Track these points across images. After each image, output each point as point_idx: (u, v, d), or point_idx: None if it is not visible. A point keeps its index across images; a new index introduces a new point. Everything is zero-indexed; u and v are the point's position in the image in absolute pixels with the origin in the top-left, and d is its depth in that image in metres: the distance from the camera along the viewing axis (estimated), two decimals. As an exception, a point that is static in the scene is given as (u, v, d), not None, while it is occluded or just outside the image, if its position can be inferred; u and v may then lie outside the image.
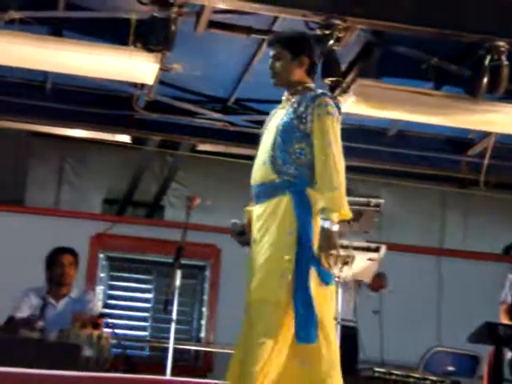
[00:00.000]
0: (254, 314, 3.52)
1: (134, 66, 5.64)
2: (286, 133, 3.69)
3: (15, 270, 7.25)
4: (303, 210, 3.56)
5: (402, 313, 7.74)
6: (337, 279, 4.99)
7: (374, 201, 5.07)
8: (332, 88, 6.44)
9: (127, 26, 5.46)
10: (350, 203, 4.96)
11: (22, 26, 5.53)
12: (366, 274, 5.14)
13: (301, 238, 3.52)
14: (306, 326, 3.42)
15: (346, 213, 3.61)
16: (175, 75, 6.20)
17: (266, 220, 3.64)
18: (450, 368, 7.06)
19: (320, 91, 3.78)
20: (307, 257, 3.49)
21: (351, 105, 6.25)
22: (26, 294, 5.68)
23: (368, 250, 5.03)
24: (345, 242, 4.96)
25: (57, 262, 5.80)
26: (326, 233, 3.49)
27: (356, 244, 4.99)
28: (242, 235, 3.79)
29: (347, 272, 4.97)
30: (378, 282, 5.29)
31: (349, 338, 5.11)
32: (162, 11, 5.14)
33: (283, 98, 3.85)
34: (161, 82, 6.35)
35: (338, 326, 4.87)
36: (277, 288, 3.47)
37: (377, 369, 5.95)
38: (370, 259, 5.05)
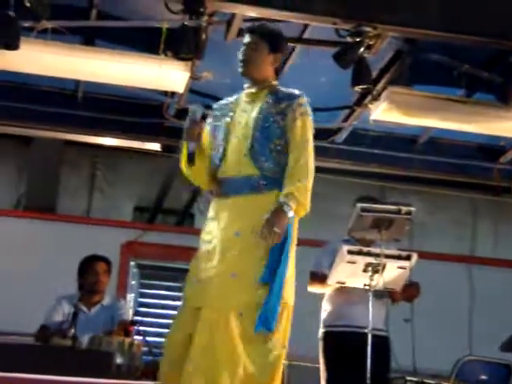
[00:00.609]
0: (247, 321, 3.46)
1: (165, 75, 5.67)
2: (267, 129, 3.66)
3: (48, 277, 7.31)
4: None
5: (433, 321, 7.69)
6: (367, 287, 4.97)
7: (404, 209, 5.02)
8: (362, 95, 6.45)
9: (158, 35, 5.49)
10: (382, 211, 5.00)
11: (54, 36, 5.58)
12: (397, 283, 5.09)
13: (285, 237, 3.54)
14: (272, 315, 3.44)
15: (306, 207, 3.76)
16: (205, 83, 6.22)
17: (248, 214, 3.59)
18: (483, 377, 6.98)
19: (296, 91, 3.79)
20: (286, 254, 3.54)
21: (382, 112, 6.23)
22: (58, 302, 5.70)
23: (399, 258, 4.99)
24: (376, 250, 4.94)
25: (90, 270, 5.81)
26: (280, 212, 3.53)
27: (387, 252, 4.96)
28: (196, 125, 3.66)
29: (378, 280, 4.94)
30: (411, 291, 5.24)
31: (381, 347, 5.07)
32: (192, 20, 5.17)
33: (250, 91, 3.77)
34: (191, 90, 6.38)
35: (369, 336, 4.85)
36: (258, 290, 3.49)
37: (409, 378, 5.92)
38: (400, 267, 5.01)
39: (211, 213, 3.71)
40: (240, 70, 3.75)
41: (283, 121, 3.68)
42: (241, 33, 5.66)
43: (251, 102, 3.76)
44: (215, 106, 3.90)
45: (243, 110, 3.76)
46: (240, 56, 3.75)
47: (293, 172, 3.63)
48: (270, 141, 3.65)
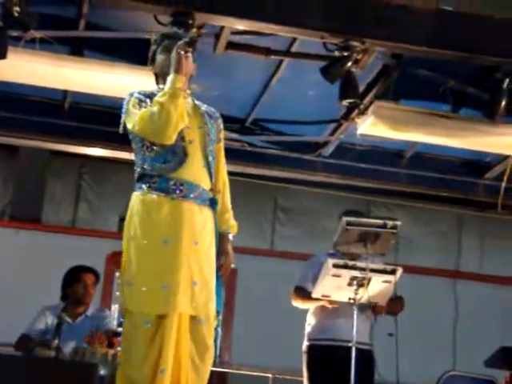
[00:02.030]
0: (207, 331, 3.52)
1: (153, 86, 5.66)
2: (213, 143, 3.72)
3: (32, 287, 7.28)
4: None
5: (417, 336, 7.69)
6: (352, 301, 4.97)
7: (390, 223, 5.03)
8: (349, 109, 6.48)
9: (146, 46, 5.48)
10: (367, 225, 5.01)
11: (42, 45, 5.58)
12: (382, 297, 5.09)
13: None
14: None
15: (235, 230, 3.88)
16: (193, 95, 6.22)
17: (207, 227, 3.64)
18: (467, 392, 7.00)
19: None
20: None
21: (369, 126, 6.26)
22: (42, 312, 5.64)
23: (384, 272, 4.99)
24: (361, 264, 4.95)
25: (79, 281, 5.73)
26: (231, 245, 3.78)
27: (372, 266, 4.96)
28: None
29: (363, 294, 4.94)
30: (395, 305, 5.25)
31: (365, 360, 5.07)
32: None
33: (186, 91, 3.67)
34: (179, 101, 6.37)
35: (353, 349, 4.85)
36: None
37: (392, 392, 5.90)
38: (385, 281, 5.01)
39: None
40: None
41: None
42: (229, 45, 5.69)
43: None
44: None
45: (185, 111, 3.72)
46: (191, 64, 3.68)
47: (227, 198, 3.86)
48: (214, 158, 3.80)
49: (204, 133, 3.68)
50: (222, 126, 3.86)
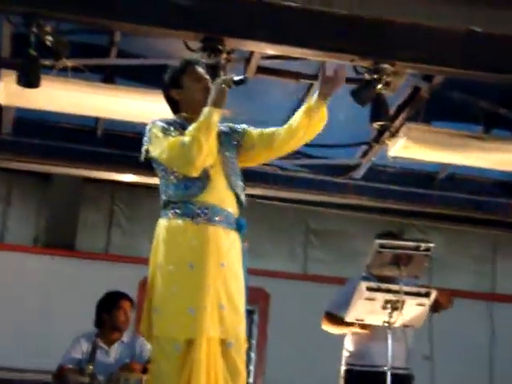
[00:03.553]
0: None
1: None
2: (233, 159, 3.70)
3: (66, 314, 7.31)
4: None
5: (453, 359, 7.61)
6: (386, 325, 4.93)
7: (423, 245, 4.99)
8: (380, 132, 6.46)
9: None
10: (400, 247, 4.97)
11: (74, 73, 5.64)
12: (417, 320, 5.05)
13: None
14: None
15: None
16: (223, 120, 6.24)
17: (233, 249, 3.59)
18: (503, 416, 6.90)
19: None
20: None
21: (400, 148, 6.24)
22: (76, 341, 5.60)
23: (418, 295, 4.95)
24: (395, 287, 4.91)
25: (119, 307, 5.69)
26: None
27: (406, 289, 4.93)
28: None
29: (397, 318, 4.90)
30: (447, 297, 5.19)
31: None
32: (211, 58, 5.20)
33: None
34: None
35: (389, 374, 4.80)
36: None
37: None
38: (420, 304, 4.97)
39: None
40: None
41: None
42: (259, 70, 5.71)
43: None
44: None
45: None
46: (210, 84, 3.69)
47: None
48: None
49: (222, 154, 3.65)
50: (238, 132, 3.77)
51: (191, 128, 3.47)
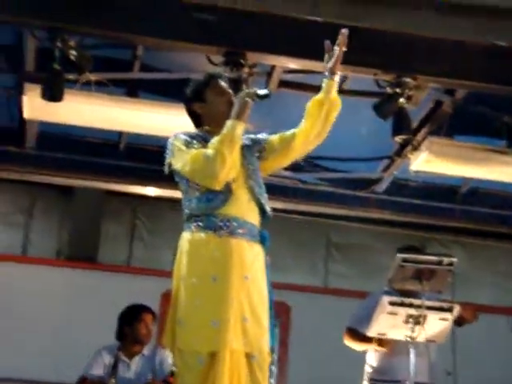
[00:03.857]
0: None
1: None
2: (256, 171, 3.67)
3: (88, 327, 7.33)
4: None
5: (476, 374, 7.55)
6: (409, 339, 4.91)
7: (446, 259, 4.96)
8: (403, 146, 6.45)
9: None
10: (423, 262, 4.95)
11: (98, 87, 5.68)
12: (439, 335, 5.02)
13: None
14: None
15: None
16: (245, 133, 6.26)
17: (257, 262, 3.56)
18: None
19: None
20: None
21: (423, 162, 6.23)
22: (98, 353, 5.61)
23: (441, 309, 4.93)
24: (417, 302, 4.89)
25: (141, 320, 5.68)
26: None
27: (428, 303, 4.90)
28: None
29: (419, 332, 4.87)
30: (472, 312, 5.16)
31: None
32: (233, 71, 5.22)
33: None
34: (231, 140, 6.42)
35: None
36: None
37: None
38: (442, 319, 4.94)
39: None
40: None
41: None
42: (281, 84, 5.73)
43: None
44: None
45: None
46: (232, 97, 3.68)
47: None
48: None
49: (245, 167, 3.63)
50: (259, 144, 3.74)
51: (214, 141, 3.46)
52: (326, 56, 3.66)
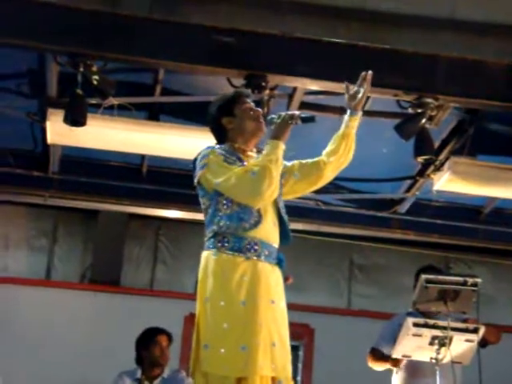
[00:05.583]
0: None
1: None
2: (281, 196, 3.65)
3: (112, 350, 7.33)
4: None
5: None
6: (434, 361, 4.87)
7: (470, 280, 4.93)
8: (425, 166, 6.43)
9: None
10: (447, 282, 4.92)
11: (120, 111, 5.71)
12: (464, 356, 4.98)
13: None
14: None
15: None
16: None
17: (280, 285, 3.57)
18: None
19: None
20: None
21: (445, 182, 6.20)
22: (119, 378, 5.63)
23: (466, 331, 4.89)
24: (442, 323, 4.85)
25: (156, 343, 5.72)
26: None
27: (453, 325, 4.86)
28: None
29: (445, 354, 4.83)
30: (496, 333, 5.12)
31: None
32: (254, 94, 5.23)
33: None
34: (255, 163, 6.43)
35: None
36: None
37: None
38: (468, 340, 4.90)
39: None
40: (265, 129, 3.66)
41: None
42: (303, 105, 5.73)
43: None
44: None
45: None
46: (263, 117, 3.70)
47: None
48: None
49: None
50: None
51: (261, 159, 3.44)
52: (346, 96, 3.73)
